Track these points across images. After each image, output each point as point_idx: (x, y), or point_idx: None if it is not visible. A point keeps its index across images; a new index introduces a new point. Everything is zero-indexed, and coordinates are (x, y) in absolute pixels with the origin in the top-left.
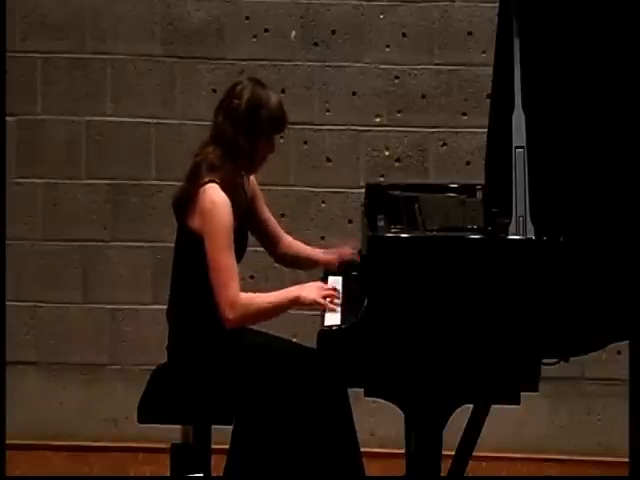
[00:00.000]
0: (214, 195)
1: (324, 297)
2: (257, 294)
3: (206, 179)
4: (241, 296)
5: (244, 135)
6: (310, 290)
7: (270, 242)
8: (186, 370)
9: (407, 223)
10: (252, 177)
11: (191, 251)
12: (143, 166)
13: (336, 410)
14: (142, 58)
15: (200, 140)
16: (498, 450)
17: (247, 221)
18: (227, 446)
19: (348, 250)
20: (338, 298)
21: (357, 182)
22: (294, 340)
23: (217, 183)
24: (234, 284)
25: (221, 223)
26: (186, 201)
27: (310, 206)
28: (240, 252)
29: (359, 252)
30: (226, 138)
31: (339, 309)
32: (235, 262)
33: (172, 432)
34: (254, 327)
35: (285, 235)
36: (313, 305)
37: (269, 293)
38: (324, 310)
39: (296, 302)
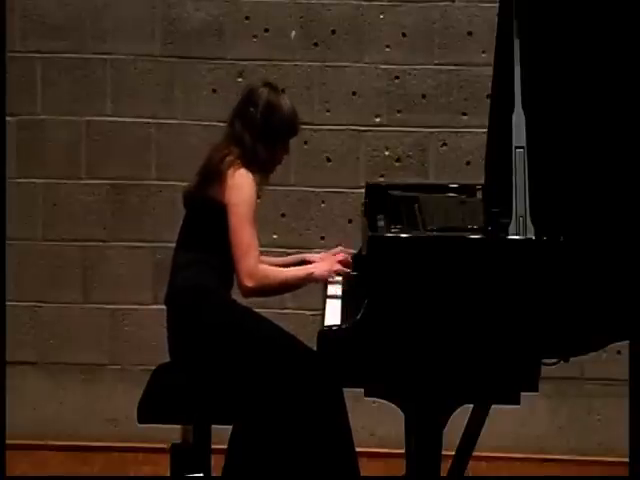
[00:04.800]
0: (246, 174)
1: (336, 271)
2: (275, 268)
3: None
4: (260, 267)
5: (263, 143)
6: (322, 266)
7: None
8: (188, 367)
9: (407, 223)
10: None
11: (214, 223)
12: (143, 166)
13: (333, 411)
14: (142, 58)
15: (200, 140)
16: (498, 450)
17: None
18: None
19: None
20: (349, 268)
21: (357, 182)
22: None
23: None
24: (255, 254)
25: (249, 196)
26: (212, 173)
27: (310, 206)
28: None
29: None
30: (245, 145)
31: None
32: (256, 235)
33: (172, 432)
34: (259, 313)
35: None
36: (327, 278)
37: (286, 269)
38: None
39: (311, 278)
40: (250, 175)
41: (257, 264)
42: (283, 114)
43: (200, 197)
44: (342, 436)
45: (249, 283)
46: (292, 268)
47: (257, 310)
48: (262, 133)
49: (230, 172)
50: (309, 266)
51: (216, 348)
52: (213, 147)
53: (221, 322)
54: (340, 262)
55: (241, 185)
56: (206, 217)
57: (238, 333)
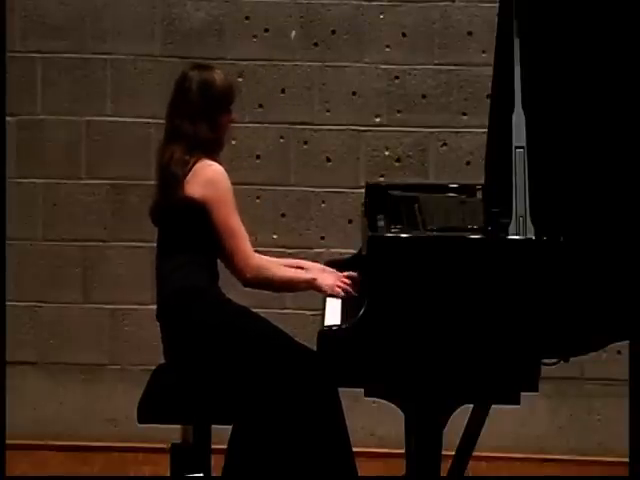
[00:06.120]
0: (209, 164)
1: (340, 288)
2: (275, 263)
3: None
4: (257, 256)
5: (204, 123)
6: (327, 276)
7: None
8: (185, 369)
9: (407, 223)
10: None
11: (193, 223)
12: (143, 166)
13: (328, 409)
14: (142, 58)
15: None
16: (498, 450)
17: None
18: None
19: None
20: (356, 286)
21: (357, 182)
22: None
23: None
24: (248, 245)
25: (224, 184)
26: (171, 178)
27: (310, 206)
28: None
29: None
30: (187, 135)
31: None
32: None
33: (172, 432)
34: (257, 312)
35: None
36: (327, 292)
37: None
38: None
39: (312, 283)
40: (213, 162)
41: (252, 253)
42: (219, 86)
43: (170, 204)
44: (338, 435)
45: (248, 273)
46: (296, 269)
47: (256, 310)
48: (201, 113)
49: (194, 170)
50: (313, 272)
51: (213, 347)
52: (157, 155)
53: (217, 321)
54: (345, 284)
55: (211, 178)
56: (183, 219)
57: (234, 332)
